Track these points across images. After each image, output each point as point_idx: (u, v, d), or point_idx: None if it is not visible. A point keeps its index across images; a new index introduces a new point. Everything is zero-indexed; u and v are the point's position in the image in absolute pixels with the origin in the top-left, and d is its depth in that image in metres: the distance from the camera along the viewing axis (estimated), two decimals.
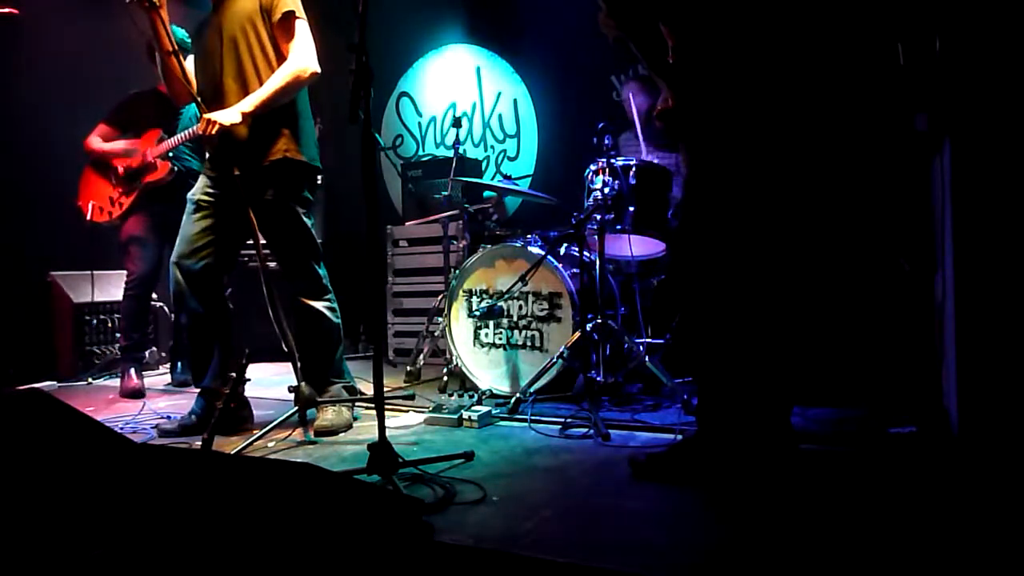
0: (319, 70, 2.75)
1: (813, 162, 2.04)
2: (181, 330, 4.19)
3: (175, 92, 2.88)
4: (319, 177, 2.92)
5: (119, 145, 3.88)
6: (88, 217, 3.94)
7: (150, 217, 3.89)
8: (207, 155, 2.87)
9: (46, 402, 1.75)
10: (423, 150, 6.00)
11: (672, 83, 2.11)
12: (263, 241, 2.74)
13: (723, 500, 1.88)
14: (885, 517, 1.73)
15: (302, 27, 2.76)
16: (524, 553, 1.52)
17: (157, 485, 1.56)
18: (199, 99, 2.71)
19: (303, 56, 2.72)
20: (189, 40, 3.27)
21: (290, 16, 2.73)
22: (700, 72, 2.04)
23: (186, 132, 3.71)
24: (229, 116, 2.64)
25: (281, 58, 2.76)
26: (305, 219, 2.84)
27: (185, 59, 2.77)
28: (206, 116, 2.63)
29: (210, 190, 2.82)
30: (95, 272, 4.32)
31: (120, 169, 3.85)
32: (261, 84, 2.72)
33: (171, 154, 3.79)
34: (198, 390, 2.89)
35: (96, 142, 3.92)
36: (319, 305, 2.88)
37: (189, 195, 2.86)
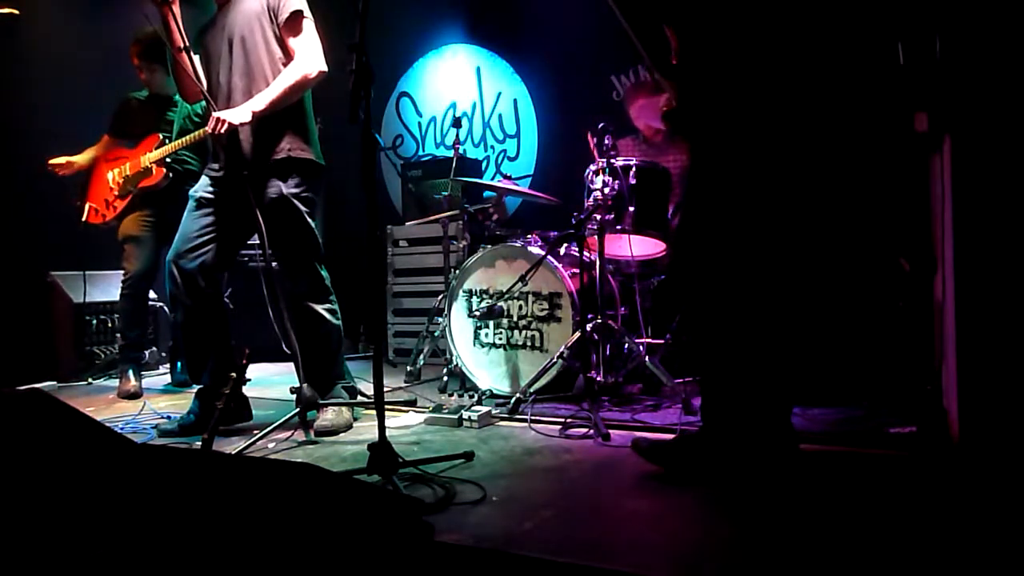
0: (327, 69, 2.75)
1: (813, 162, 2.05)
2: (178, 329, 4.20)
3: (185, 89, 2.89)
4: (323, 176, 2.92)
5: (60, 161, 3.93)
6: (84, 218, 3.98)
7: (146, 217, 3.90)
8: (211, 154, 2.86)
9: (46, 402, 1.75)
10: (423, 150, 6.00)
11: (675, 84, 2.11)
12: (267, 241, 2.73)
13: (723, 500, 1.87)
14: (885, 517, 1.73)
15: (309, 26, 2.76)
16: (524, 553, 1.52)
17: (157, 485, 1.56)
18: (209, 97, 2.71)
19: (311, 55, 2.72)
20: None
21: (298, 15, 2.73)
22: (702, 72, 2.05)
23: (186, 137, 3.71)
24: (239, 115, 2.63)
25: (288, 57, 2.76)
26: (309, 219, 2.83)
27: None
28: (216, 115, 2.62)
29: (212, 188, 2.82)
30: (87, 272, 4.33)
31: (118, 174, 3.87)
32: (268, 83, 2.72)
33: (168, 159, 3.80)
34: (197, 389, 2.89)
35: (79, 156, 3.95)
36: (320, 307, 2.87)
37: (191, 192, 2.85)
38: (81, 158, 3.95)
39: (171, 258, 2.79)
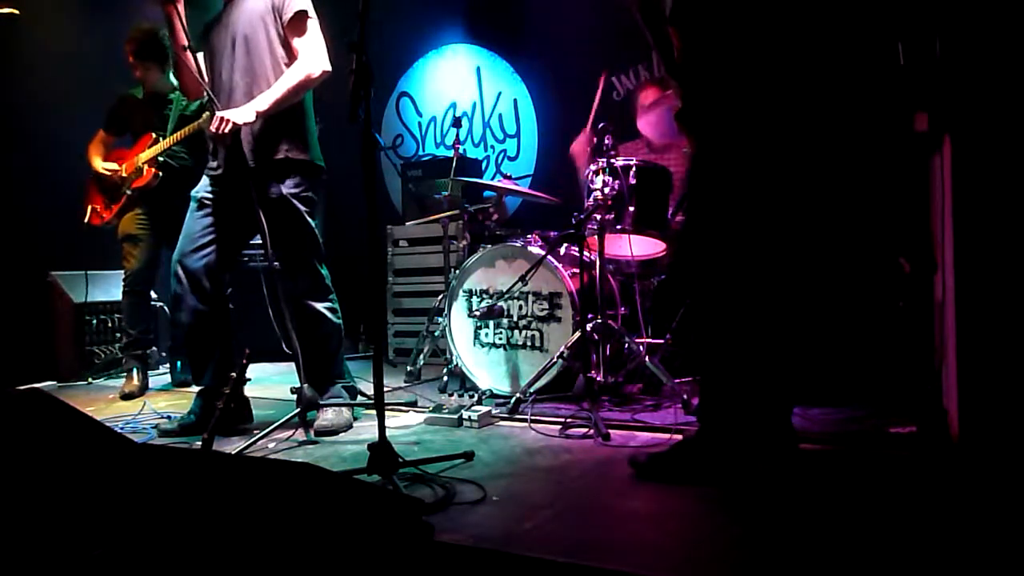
0: (330, 69, 2.75)
1: (813, 162, 2.05)
2: (180, 328, 4.20)
3: (187, 88, 2.90)
4: (323, 177, 2.92)
5: (112, 167, 3.94)
6: (86, 220, 4.02)
7: (143, 215, 3.92)
8: (211, 153, 2.86)
9: (46, 402, 1.75)
10: (423, 150, 6.00)
11: (680, 83, 2.12)
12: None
13: (723, 500, 1.87)
14: (885, 517, 1.73)
15: (313, 26, 2.76)
16: (524, 553, 1.52)
17: (157, 485, 1.56)
18: (213, 96, 2.72)
19: (315, 55, 2.73)
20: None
21: (302, 15, 2.74)
22: (704, 72, 2.05)
23: (177, 133, 3.72)
24: (244, 115, 2.63)
25: (291, 57, 2.76)
26: (309, 218, 2.83)
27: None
28: (219, 114, 2.63)
29: (213, 188, 2.82)
30: (88, 272, 4.35)
31: (115, 177, 3.89)
32: (269, 83, 2.72)
33: (161, 158, 3.80)
34: (198, 389, 2.89)
35: (97, 163, 3.95)
36: (321, 306, 2.87)
37: (193, 192, 2.85)
38: (101, 163, 3.97)
39: (176, 258, 2.79)
